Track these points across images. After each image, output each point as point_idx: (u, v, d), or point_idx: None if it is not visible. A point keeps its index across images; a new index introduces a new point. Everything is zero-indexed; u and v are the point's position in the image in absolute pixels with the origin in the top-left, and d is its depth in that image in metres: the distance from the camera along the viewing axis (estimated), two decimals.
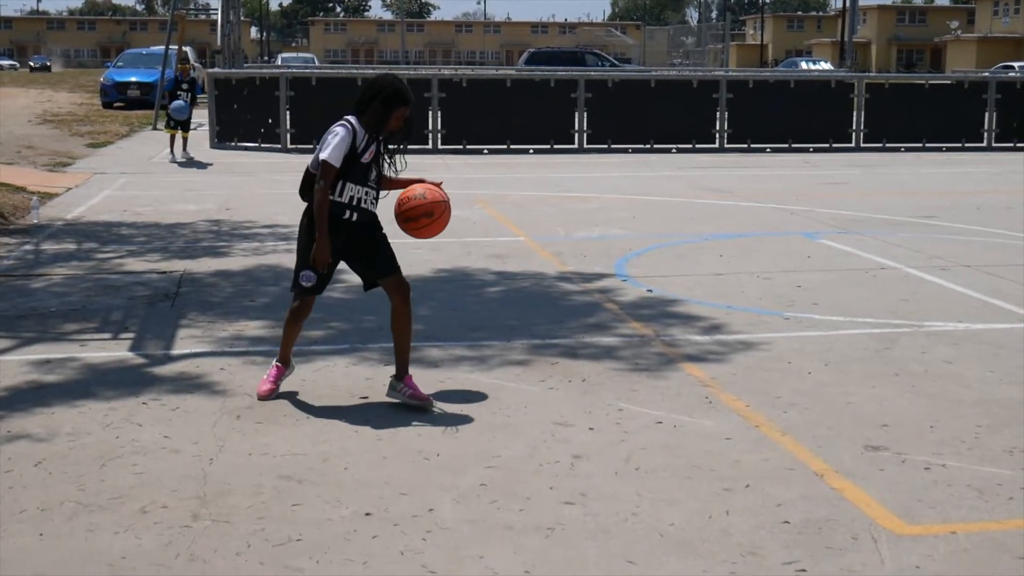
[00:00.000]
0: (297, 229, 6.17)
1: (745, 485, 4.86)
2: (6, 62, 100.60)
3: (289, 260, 9.95)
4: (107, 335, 7.39)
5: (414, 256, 10.18)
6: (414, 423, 5.66)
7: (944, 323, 7.80)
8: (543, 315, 8.01)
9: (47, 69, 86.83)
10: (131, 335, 7.39)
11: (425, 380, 6.37)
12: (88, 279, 9.17)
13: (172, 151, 19.14)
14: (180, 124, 18.95)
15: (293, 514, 4.56)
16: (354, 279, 9.10)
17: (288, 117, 21.06)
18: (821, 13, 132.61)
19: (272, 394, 6.05)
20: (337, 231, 5.81)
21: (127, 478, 4.91)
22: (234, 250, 10.58)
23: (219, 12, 26.37)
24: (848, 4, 53.19)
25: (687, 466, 5.09)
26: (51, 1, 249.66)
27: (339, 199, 5.81)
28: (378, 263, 5.97)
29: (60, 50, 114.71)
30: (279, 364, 6.16)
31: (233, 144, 21.48)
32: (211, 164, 18.78)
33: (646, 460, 5.16)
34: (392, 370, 6.10)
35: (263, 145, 21.23)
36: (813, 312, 8.12)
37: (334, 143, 5.74)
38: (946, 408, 5.93)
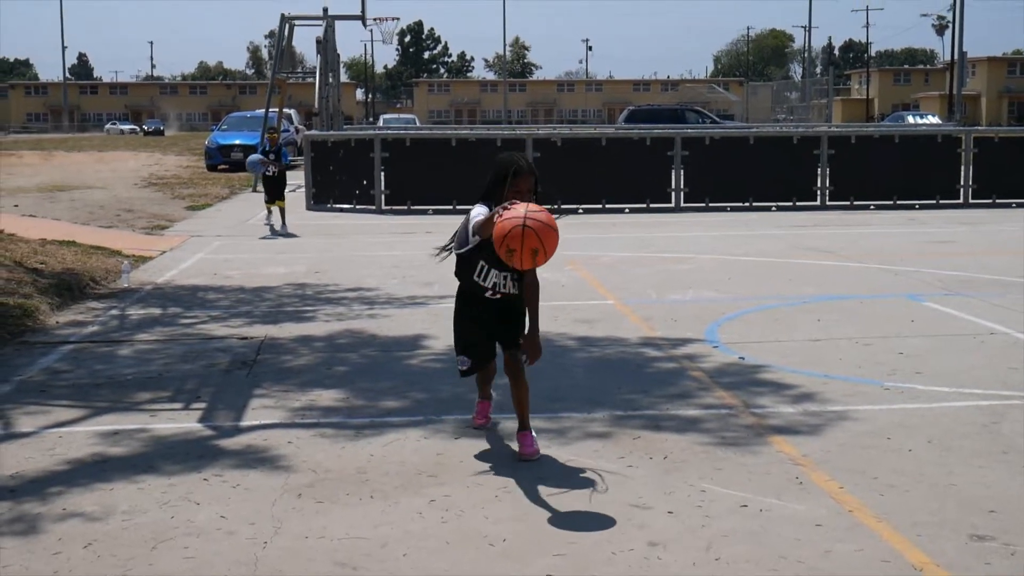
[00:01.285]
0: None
1: None
2: (127, 127, 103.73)
3: (373, 325, 9.85)
4: (179, 405, 7.23)
5: None
6: (482, 504, 5.35)
7: None
8: (628, 384, 7.66)
9: (160, 133, 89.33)
10: (203, 405, 7.22)
11: (499, 455, 6.10)
12: (169, 345, 9.08)
13: (270, 221, 18.21)
14: (273, 196, 18.16)
15: None
16: (438, 346, 8.93)
17: (383, 178, 21.09)
18: (928, 66, 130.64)
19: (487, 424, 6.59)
20: (483, 305, 6.10)
21: (176, 563, 4.67)
22: (318, 315, 10.43)
23: (316, 75, 26.68)
24: (957, 57, 52.18)
25: (772, 556, 4.69)
26: (165, 66, 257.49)
27: (483, 283, 6.03)
28: (504, 331, 6.15)
29: (174, 114, 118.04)
30: (483, 399, 6.62)
31: (329, 206, 21.57)
32: (299, 236, 17.58)
33: (728, 549, 4.77)
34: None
35: (358, 207, 21.28)
36: (916, 382, 7.64)
37: (478, 216, 5.85)
38: None
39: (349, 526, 5.08)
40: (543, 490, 5.54)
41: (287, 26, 27.74)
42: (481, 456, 6.09)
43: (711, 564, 4.62)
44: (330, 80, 26.97)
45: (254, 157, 18.12)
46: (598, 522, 5.10)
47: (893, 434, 6.42)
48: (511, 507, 5.31)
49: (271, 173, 18.01)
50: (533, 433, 6.15)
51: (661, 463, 5.96)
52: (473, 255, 6.00)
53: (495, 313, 6.10)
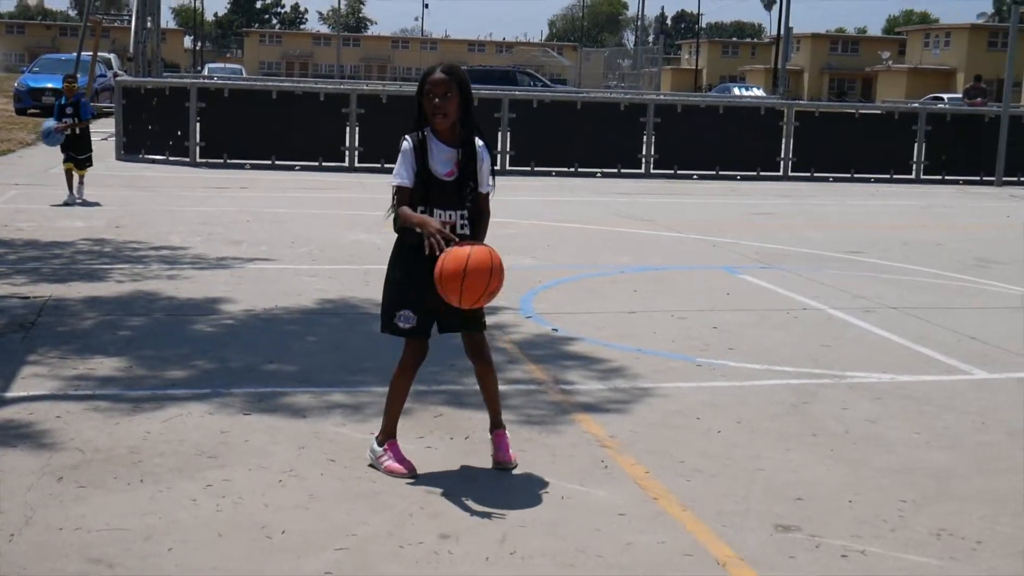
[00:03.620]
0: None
1: None
2: None
3: (170, 287, 9.21)
4: None
5: (305, 284, 9.46)
6: (264, 490, 4.90)
7: (867, 374, 7.19)
8: (433, 356, 7.23)
9: None
10: None
11: (289, 434, 5.63)
12: None
13: (70, 190, 14.47)
14: (76, 162, 14.56)
15: None
16: (236, 311, 8.40)
17: (198, 129, 20.18)
18: (756, 40, 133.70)
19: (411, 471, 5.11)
20: (428, 266, 4.87)
21: None
22: (112, 274, 9.75)
23: (132, 18, 25.42)
24: (782, 32, 53.27)
25: (570, 550, 4.39)
26: None
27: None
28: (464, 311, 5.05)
29: (4, 53, 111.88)
30: (392, 441, 5.19)
31: (140, 156, 20.54)
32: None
33: (524, 541, 4.45)
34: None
35: (171, 158, 20.33)
36: (728, 358, 7.49)
37: (398, 163, 4.97)
38: (867, 477, 5.30)
39: (112, 515, 4.57)
40: (333, 474, 5.13)
41: None
42: (269, 434, 5.63)
43: (505, 559, 4.29)
44: (148, 24, 25.72)
45: (48, 125, 14.65)
46: (389, 510, 4.72)
47: (702, 414, 6.22)
48: (295, 493, 4.89)
49: (71, 132, 14.63)
50: (508, 433, 5.32)
51: (462, 444, 5.62)
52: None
53: None
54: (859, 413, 6.33)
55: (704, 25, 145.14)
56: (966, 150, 23.00)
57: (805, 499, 5.00)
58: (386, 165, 20.29)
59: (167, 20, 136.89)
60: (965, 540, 4.57)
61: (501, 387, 6.49)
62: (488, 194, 5.13)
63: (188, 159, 20.18)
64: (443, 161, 5.00)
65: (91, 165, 15.01)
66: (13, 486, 4.84)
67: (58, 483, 4.90)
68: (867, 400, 6.59)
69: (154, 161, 20.43)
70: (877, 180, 22.53)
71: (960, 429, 6.08)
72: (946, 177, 22.91)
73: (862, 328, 8.56)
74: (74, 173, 14.57)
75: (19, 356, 6.94)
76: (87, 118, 14.91)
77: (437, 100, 4.90)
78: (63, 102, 14.74)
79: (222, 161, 20.12)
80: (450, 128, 4.99)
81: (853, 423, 6.14)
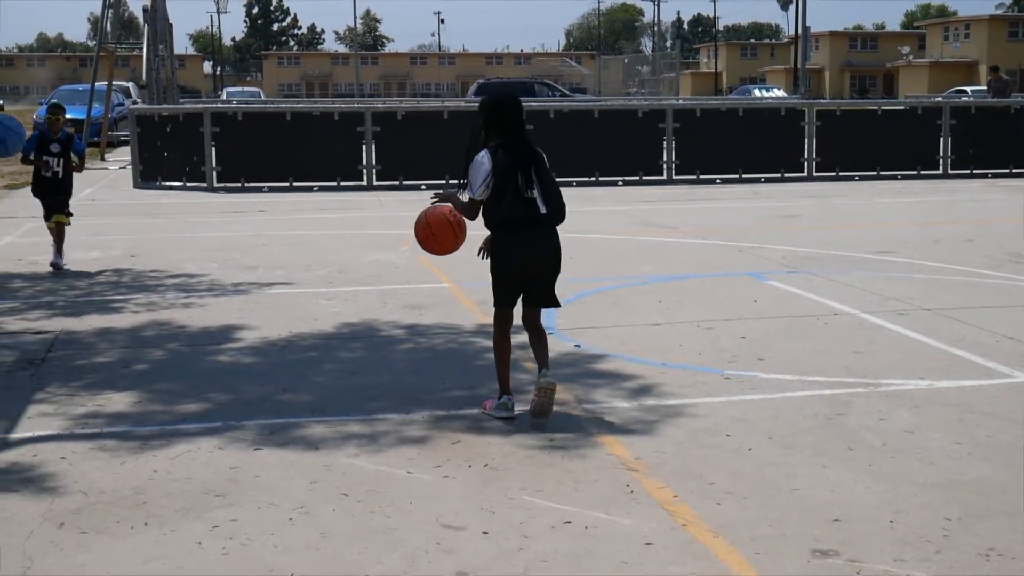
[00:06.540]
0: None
1: None
2: None
3: (184, 316, 9.05)
4: None
5: (322, 309, 9.25)
6: (273, 529, 4.68)
7: (904, 381, 6.90)
8: (453, 379, 7.07)
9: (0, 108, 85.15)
10: None
11: (301, 468, 5.41)
12: None
13: (57, 252, 11.56)
14: (53, 209, 11.74)
15: None
16: (252, 338, 8.20)
17: (214, 154, 20.05)
18: (774, 40, 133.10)
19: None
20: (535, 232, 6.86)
21: None
22: (127, 305, 9.57)
23: (144, 46, 25.35)
24: (800, 31, 52.94)
25: None
26: (2, 38, 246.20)
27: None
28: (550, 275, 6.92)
29: (9, 88, 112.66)
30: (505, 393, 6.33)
31: (158, 183, 20.44)
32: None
33: None
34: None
35: (188, 184, 20.21)
36: (758, 369, 7.22)
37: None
38: (908, 494, 5.03)
39: (112, 563, 4.36)
40: (345, 510, 4.90)
41: None
42: (281, 469, 5.41)
43: None
44: (161, 51, 25.66)
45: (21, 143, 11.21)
46: (404, 546, 4.49)
47: (733, 430, 5.96)
48: (306, 532, 4.66)
49: (49, 174, 11.69)
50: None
51: (481, 472, 5.38)
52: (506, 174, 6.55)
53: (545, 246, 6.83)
54: (897, 423, 6.05)
55: (721, 28, 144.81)
56: (993, 143, 22.60)
57: (843, 520, 4.73)
58: (404, 182, 20.12)
59: (185, 46, 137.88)
60: (1016, 560, 4.29)
61: (524, 408, 6.27)
62: (471, 198, 6.65)
63: (205, 184, 20.05)
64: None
65: (67, 213, 11.93)
66: (12, 534, 4.64)
67: (59, 529, 4.69)
68: (904, 409, 6.31)
69: (171, 188, 20.32)
70: (904, 177, 22.16)
71: (1004, 438, 5.79)
72: (974, 171, 22.51)
73: (895, 332, 8.27)
74: (64, 224, 11.77)
75: (26, 395, 6.76)
76: (80, 149, 11.94)
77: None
78: (46, 134, 11.65)
79: (239, 185, 19.98)
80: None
81: (891, 435, 5.86)
